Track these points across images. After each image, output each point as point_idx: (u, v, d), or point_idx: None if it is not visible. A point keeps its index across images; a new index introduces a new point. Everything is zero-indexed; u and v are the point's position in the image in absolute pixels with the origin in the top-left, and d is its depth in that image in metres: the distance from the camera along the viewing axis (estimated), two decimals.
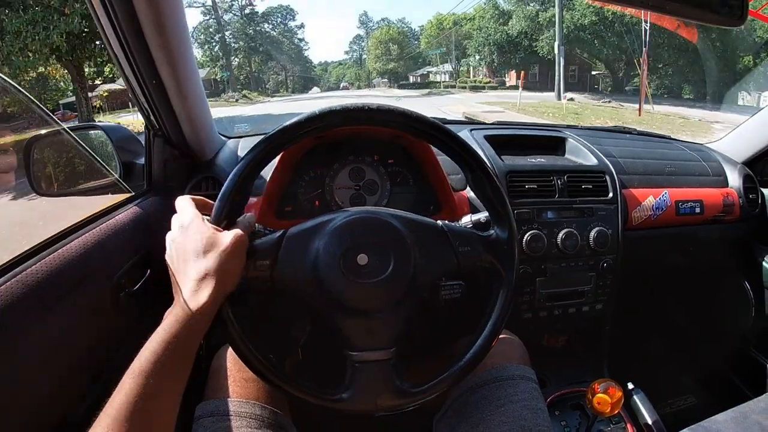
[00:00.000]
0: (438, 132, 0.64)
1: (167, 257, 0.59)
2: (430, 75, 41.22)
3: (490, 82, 31.22)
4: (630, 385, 1.08)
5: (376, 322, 0.61)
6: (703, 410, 1.41)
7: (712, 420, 0.96)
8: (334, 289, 0.59)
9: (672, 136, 1.56)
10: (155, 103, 0.92)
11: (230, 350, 0.81)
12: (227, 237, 0.56)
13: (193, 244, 0.55)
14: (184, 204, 0.61)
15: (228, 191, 0.59)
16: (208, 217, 0.60)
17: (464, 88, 31.78)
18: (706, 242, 1.34)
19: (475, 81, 32.73)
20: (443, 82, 37.84)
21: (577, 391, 1.12)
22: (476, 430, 0.70)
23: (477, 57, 31.30)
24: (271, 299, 0.91)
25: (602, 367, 1.23)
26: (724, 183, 1.36)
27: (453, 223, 0.67)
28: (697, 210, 1.27)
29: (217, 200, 0.60)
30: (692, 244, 1.33)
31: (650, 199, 1.21)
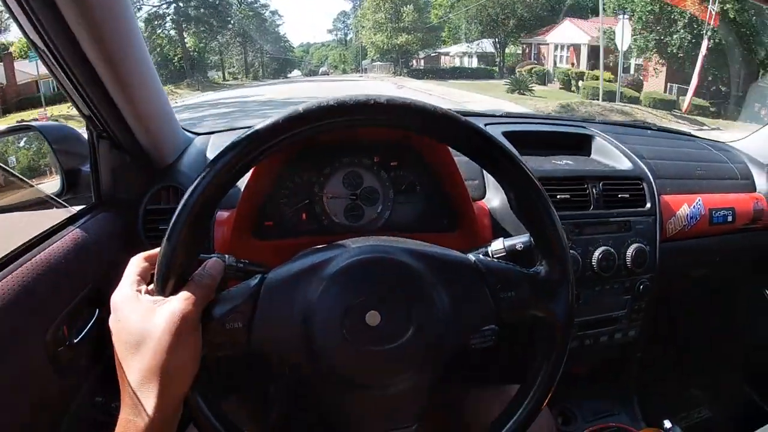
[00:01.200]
0: (475, 135, 0.46)
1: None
2: (447, 58, 26.89)
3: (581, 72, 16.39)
4: (667, 424, 0.95)
5: (389, 400, 0.47)
6: (725, 427, 1.31)
7: None
8: (334, 359, 0.45)
9: (693, 133, 1.44)
10: (92, 99, 0.71)
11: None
12: (161, 322, 0.40)
13: (125, 335, 0.41)
14: (126, 272, 0.46)
15: (174, 237, 0.42)
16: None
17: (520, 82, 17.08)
18: (733, 253, 1.24)
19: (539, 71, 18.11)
20: (479, 67, 23.75)
21: (609, 426, 0.99)
22: None
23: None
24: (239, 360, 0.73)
25: (632, 398, 1.11)
26: (752, 187, 1.24)
27: (489, 259, 0.52)
28: (729, 218, 1.15)
29: (159, 251, 0.43)
30: (719, 254, 1.21)
31: (685, 207, 1.08)
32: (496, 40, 22.15)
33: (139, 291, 0.43)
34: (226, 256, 0.52)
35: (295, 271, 0.46)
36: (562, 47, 18.43)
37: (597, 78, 14.47)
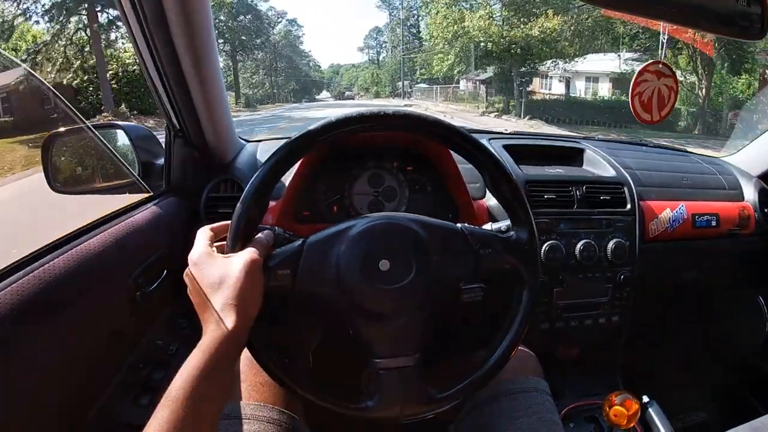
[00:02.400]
0: (452, 134, 0.63)
1: (189, 293, 0.59)
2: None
3: None
4: (645, 398, 1.07)
5: (399, 328, 0.60)
6: (715, 426, 1.39)
7: None
8: (357, 295, 0.58)
9: (688, 150, 1.56)
10: (177, 103, 0.93)
11: (245, 354, 0.81)
12: (238, 266, 0.56)
13: (207, 279, 0.56)
14: (198, 238, 0.61)
15: (243, 209, 0.59)
16: (220, 243, 0.61)
17: None
18: (721, 256, 1.33)
19: None
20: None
21: (592, 403, 1.11)
22: None
23: None
24: (284, 304, 0.91)
25: (616, 379, 1.22)
26: (740, 197, 1.35)
27: (473, 227, 0.66)
28: (713, 223, 1.26)
29: (232, 220, 0.59)
30: (707, 257, 1.32)
31: (667, 211, 1.20)
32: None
33: (212, 249, 0.60)
34: (276, 227, 0.65)
35: (328, 233, 0.62)
36: None
37: None
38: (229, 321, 0.53)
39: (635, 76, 0.93)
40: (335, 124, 0.60)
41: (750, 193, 1.35)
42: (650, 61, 0.93)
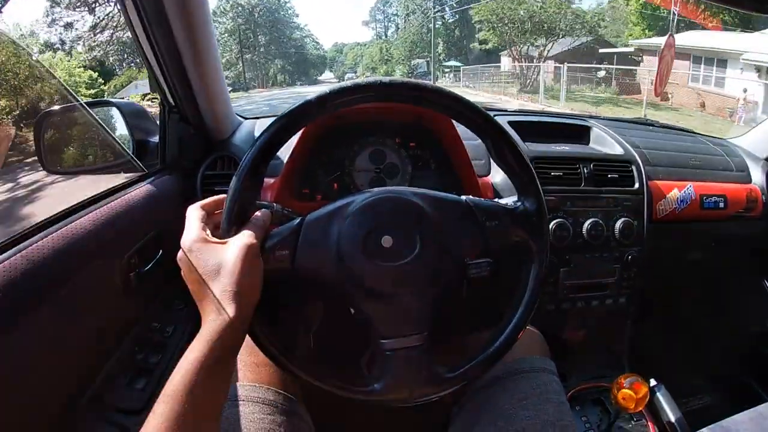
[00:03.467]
0: (454, 102, 0.60)
1: (184, 276, 0.56)
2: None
3: None
4: (653, 381, 1.05)
5: (404, 307, 0.57)
6: (717, 411, 1.38)
7: (730, 420, 0.94)
8: (359, 274, 0.56)
9: (696, 131, 1.53)
10: (172, 78, 0.89)
11: None
12: (234, 252, 0.53)
13: (203, 268, 0.53)
14: (189, 219, 0.57)
15: (237, 188, 0.56)
16: (214, 223, 0.58)
17: None
18: (728, 239, 1.31)
19: None
20: None
21: (599, 386, 1.09)
22: (498, 423, 0.68)
23: None
24: (285, 284, 0.88)
25: (622, 362, 1.21)
26: (748, 179, 1.33)
27: (478, 199, 0.63)
28: (721, 205, 1.24)
29: (226, 200, 0.56)
30: (713, 240, 1.30)
31: (675, 191, 1.18)
32: None
33: (206, 233, 0.56)
34: (275, 204, 0.62)
35: (327, 210, 0.59)
36: None
37: None
38: (230, 310, 0.50)
39: (661, 51, 0.90)
40: (331, 95, 0.57)
41: (758, 176, 1.32)
42: (668, 35, 0.90)
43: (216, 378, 0.49)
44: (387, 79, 0.58)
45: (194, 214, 0.57)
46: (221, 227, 0.56)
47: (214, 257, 0.52)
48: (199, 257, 0.53)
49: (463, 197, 0.62)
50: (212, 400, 0.49)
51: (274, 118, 0.57)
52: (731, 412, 0.94)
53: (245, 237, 0.54)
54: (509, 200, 0.65)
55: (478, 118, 0.60)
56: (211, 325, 0.50)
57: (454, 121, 0.92)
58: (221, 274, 0.51)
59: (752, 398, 1.41)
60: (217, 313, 0.50)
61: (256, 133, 1.11)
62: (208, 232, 0.56)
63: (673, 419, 1.02)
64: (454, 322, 0.81)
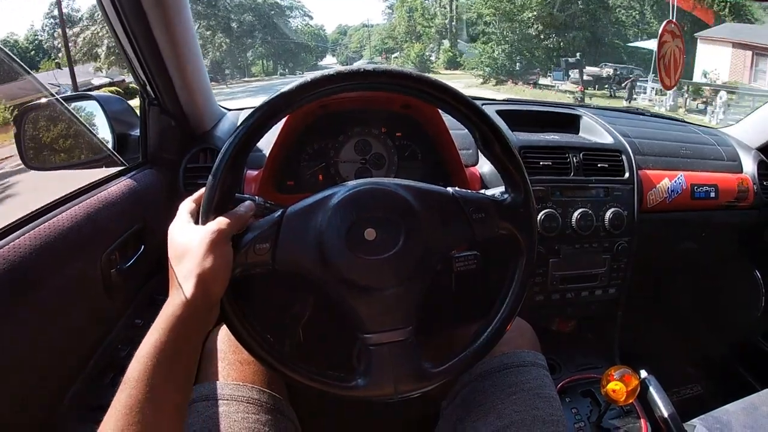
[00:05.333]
0: (441, 92, 0.58)
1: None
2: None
3: None
4: (643, 373, 1.04)
5: (389, 301, 0.56)
6: (708, 400, 1.38)
7: (722, 410, 0.94)
8: (342, 268, 0.54)
9: (686, 120, 1.52)
10: (150, 69, 0.87)
11: (223, 331, 0.77)
12: (200, 235, 0.52)
13: (173, 250, 0.53)
14: (180, 209, 0.58)
15: (216, 179, 0.54)
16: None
17: None
18: (719, 229, 1.31)
19: None
20: None
21: (589, 377, 1.09)
22: (487, 418, 0.67)
23: None
24: (270, 279, 0.87)
25: (612, 353, 1.20)
26: (739, 169, 1.32)
27: (465, 190, 0.62)
28: (712, 194, 1.23)
29: (205, 190, 0.55)
30: (704, 230, 1.29)
31: (666, 181, 1.17)
32: None
33: (189, 219, 0.56)
34: (257, 197, 0.61)
35: (309, 203, 0.57)
36: None
37: None
38: (188, 290, 0.50)
39: (659, 37, 0.88)
40: (311, 84, 0.55)
41: (749, 165, 1.32)
42: (666, 21, 0.89)
43: (176, 364, 0.48)
44: (371, 67, 0.57)
45: (185, 205, 0.58)
46: (200, 216, 0.55)
47: (183, 239, 0.53)
48: (171, 240, 0.54)
49: (450, 189, 0.61)
50: (172, 390, 0.48)
51: (255, 107, 0.55)
52: (722, 402, 0.94)
53: (215, 223, 0.54)
54: (496, 191, 0.64)
55: (465, 108, 0.59)
56: (169, 305, 0.49)
57: (440, 112, 0.90)
58: (185, 256, 0.51)
59: (742, 387, 1.41)
60: (177, 293, 0.50)
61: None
62: (192, 221, 0.56)
63: (665, 414, 1.00)
64: (440, 316, 0.79)
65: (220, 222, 0.53)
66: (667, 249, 1.29)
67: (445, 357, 0.59)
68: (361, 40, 35.79)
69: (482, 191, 0.65)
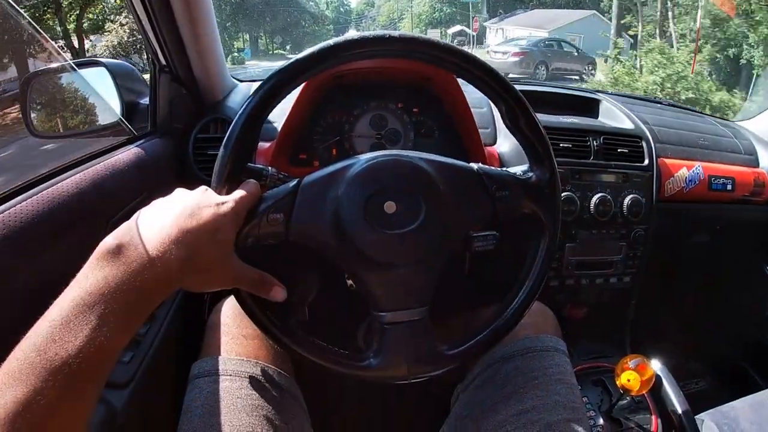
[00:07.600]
0: (467, 62, 0.56)
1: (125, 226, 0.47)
2: None
3: None
4: (657, 365, 1.02)
5: (405, 279, 0.54)
6: (713, 395, 1.37)
7: (729, 406, 0.92)
8: (359, 241, 0.52)
9: (703, 112, 1.50)
10: (163, 35, 0.84)
11: (227, 304, 0.75)
12: (228, 197, 0.49)
13: (173, 208, 0.47)
14: None
15: (229, 148, 0.52)
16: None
17: None
18: (733, 223, 1.29)
19: None
20: None
21: (601, 366, 1.07)
22: (508, 402, 0.66)
23: None
24: (277, 256, 0.84)
25: (623, 342, 1.18)
26: (755, 163, 1.30)
27: (489, 167, 0.60)
28: (729, 187, 1.21)
29: (217, 161, 0.52)
30: (718, 222, 1.27)
31: (684, 170, 1.14)
32: None
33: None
34: (270, 167, 0.58)
35: (327, 172, 0.55)
36: None
37: None
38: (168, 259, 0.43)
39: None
40: (324, 51, 0.53)
41: (766, 160, 1.30)
42: None
43: (96, 330, 0.38)
44: (396, 33, 0.54)
45: None
46: (213, 184, 0.53)
47: (200, 196, 0.49)
48: (178, 197, 0.49)
49: (474, 165, 0.58)
50: (82, 372, 0.37)
51: (272, 71, 0.53)
52: (728, 398, 0.93)
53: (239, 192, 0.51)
54: (519, 169, 0.62)
55: (494, 81, 0.57)
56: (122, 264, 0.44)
57: (461, 87, 0.88)
58: (202, 211, 0.47)
59: (748, 384, 1.40)
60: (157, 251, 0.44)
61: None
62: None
63: (679, 409, 0.99)
64: (456, 297, 0.77)
65: (244, 191, 0.51)
66: (680, 240, 1.27)
67: (461, 339, 0.57)
68: (393, 12, 30.28)
69: (506, 169, 0.63)
